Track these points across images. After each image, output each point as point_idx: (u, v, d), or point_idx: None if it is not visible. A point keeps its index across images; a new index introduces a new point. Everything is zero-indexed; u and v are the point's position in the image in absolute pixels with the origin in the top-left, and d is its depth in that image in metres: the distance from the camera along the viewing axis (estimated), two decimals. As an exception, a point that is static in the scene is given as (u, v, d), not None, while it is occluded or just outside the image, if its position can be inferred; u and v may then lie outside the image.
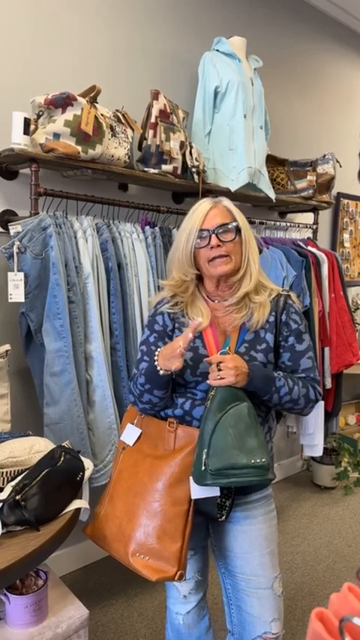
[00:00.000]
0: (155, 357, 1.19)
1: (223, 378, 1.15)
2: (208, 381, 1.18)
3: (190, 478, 1.16)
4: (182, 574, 1.16)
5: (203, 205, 1.27)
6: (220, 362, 1.16)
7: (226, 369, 1.15)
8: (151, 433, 1.29)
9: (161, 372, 1.18)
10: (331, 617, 0.46)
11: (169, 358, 1.15)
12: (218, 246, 1.23)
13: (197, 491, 1.16)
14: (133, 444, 1.31)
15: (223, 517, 1.23)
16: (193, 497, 1.18)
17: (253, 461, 1.09)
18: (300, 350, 1.29)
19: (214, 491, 1.17)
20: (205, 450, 1.12)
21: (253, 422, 1.14)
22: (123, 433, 1.35)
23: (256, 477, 1.10)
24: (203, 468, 1.11)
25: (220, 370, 1.16)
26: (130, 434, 1.33)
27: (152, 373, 1.20)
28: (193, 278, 1.30)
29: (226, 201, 1.31)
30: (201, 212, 1.26)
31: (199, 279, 1.33)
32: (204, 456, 1.11)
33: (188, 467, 1.18)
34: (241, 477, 1.09)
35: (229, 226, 1.25)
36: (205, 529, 1.35)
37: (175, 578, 1.15)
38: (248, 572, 1.28)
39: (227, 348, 1.24)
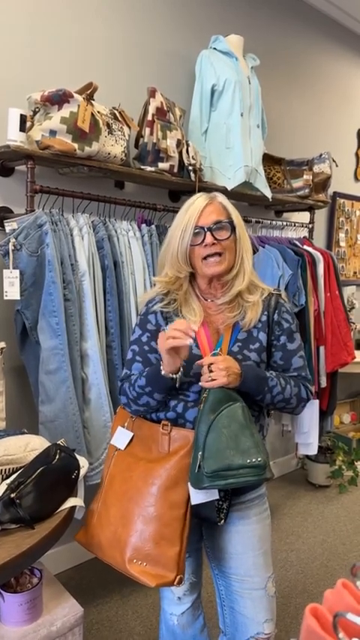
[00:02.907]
0: (162, 362, 1.17)
1: (215, 380, 1.14)
2: (200, 383, 1.17)
3: (189, 483, 1.15)
4: (181, 578, 1.15)
5: (198, 201, 1.25)
6: (211, 363, 1.15)
7: (218, 370, 1.14)
8: (144, 436, 1.27)
9: (163, 373, 1.16)
10: (325, 612, 0.46)
11: (168, 362, 1.14)
12: (213, 244, 1.22)
13: (197, 497, 1.15)
14: (125, 448, 1.28)
15: (222, 521, 1.22)
16: (193, 503, 1.16)
17: (248, 460, 1.08)
18: (291, 349, 1.29)
19: (214, 495, 1.16)
20: (200, 453, 1.11)
21: (248, 421, 1.13)
22: (113, 437, 1.31)
23: (254, 477, 1.09)
24: (198, 470, 1.10)
25: (211, 372, 1.14)
26: (121, 437, 1.30)
27: (156, 376, 1.18)
28: (186, 275, 1.28)
29: (221, 197, 1.29)
30: (196, 208, 1.23)
31: (192, 276, 1.31)
32: (199, 459, 1.10)
33: (184, 469, 1.16)
34: (238, 478, 1.08)
35: (225, 224, 1.23)
36: (199, 531, 1.34)
37: (175, 583, 1.14)
38: (242, 573, 1.27)
39: (219, 349, 1.23)
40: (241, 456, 1.09)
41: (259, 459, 1.08)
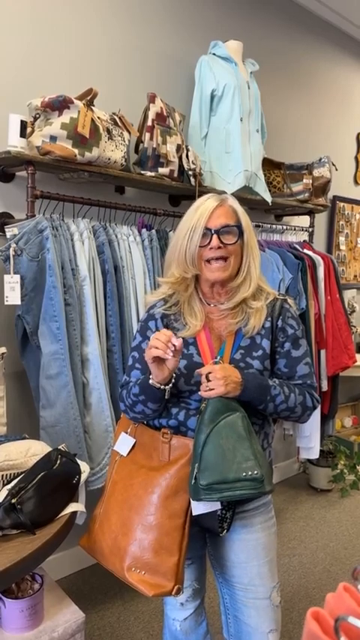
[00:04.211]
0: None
1: (213, 389, 1.11)
2: (199, 393, 1.15)
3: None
4: (179, 588, 1.13)
5: (209, 202, 1.22)
6: (210, 372, 1.12)
7: (215, 380, 1.11)
8: (145, 443, 1.25)
9: (151, 382, 1.15)
10: (326, 616, 0.46)
11: (154, 372, 1.12)
12: (219, 247, 1.19)
13: (198, 507, 1.13)
14: (127, 454, 1.26)
15: (225, 531, 1.20)
16: (194, 514, 1.14)
17: (244, 474, 1.05)
18: (296, 356, 1.25)
19: (215, 506, 1.14)
20: (197, 464, 1.08)
21: (247, 432, 1.10)
22: (117, 443, 1.30)
23: (250, 490, 1.06)
24: (195, 482, 1.08)
25: (209, 381, 1.12)
26: (124, 443, 1.28)
27: (147, 385, 1.16)
28: (193, 276, 1.26)
29: (232, 201, 1.26)
30: (206, 209, 1.20)
31: (196, 279, 1.29)
32: (195, 471, 1.08)
33: (184, 478, 1.14)
34: (234, 491, 1.05)
35: (233, 228, 1.21)
36: (203, 538, 1.33)
37: (173, 593, 1.12)
38: (246, 581, 1.25)
39: (220, 357, 1.20)
40: (237, 468, 1.06)
41: (255, 472, 1.05)
